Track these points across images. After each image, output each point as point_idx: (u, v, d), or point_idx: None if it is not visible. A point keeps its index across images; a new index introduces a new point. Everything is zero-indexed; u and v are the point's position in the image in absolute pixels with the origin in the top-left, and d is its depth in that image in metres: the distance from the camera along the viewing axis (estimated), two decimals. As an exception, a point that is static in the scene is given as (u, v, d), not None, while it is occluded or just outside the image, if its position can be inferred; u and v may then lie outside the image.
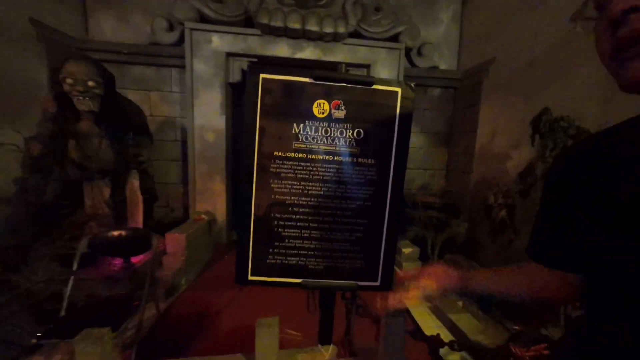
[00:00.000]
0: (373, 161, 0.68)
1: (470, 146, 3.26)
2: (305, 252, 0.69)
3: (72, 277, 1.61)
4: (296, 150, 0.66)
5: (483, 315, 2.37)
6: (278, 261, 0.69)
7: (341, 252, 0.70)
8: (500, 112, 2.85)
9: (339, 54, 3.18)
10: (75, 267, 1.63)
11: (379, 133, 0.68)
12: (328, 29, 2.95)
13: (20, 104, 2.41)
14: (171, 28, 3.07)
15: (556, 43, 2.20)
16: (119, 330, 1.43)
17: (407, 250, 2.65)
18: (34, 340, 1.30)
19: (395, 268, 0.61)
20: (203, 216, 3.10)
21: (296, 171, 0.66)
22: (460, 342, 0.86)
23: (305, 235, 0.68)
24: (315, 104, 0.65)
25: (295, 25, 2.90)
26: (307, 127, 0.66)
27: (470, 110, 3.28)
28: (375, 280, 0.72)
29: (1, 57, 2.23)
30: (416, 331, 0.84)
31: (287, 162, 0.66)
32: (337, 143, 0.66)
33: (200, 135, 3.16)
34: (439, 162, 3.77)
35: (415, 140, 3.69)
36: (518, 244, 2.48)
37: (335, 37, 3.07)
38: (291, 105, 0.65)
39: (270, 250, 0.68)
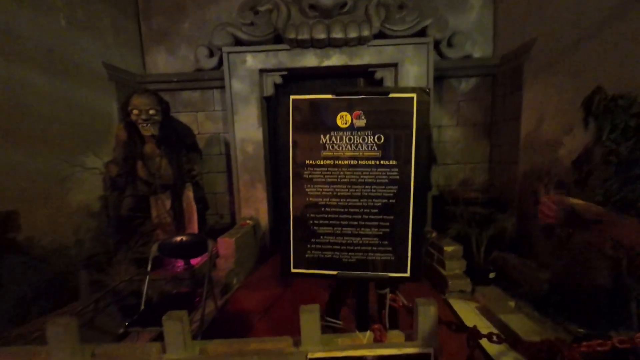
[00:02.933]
0: (394, 162, 0.75)
1: (514, 135, 3.04)
2: (339, 247, 0.78)
3: (148, 277, 1.91)
4: (324, 158, 0.76)
5: (540, 316, 2.20)
6: (315, 255, 0.79)
7: (371, 246, 0.78)
8: (546, 95, 2.62)
9: (365, 57, 3.23)
10: (149, 268, 1.93)
11: (398, 136, 0.74)
12: (352, 34, 3.02)
13: (99, 134, 2.91)
14: (211, 54, 3.43)
15: (606, 15, 1.99)
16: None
17: (449, 249, 2.57)
18: (122, 330, 1.60)
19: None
20: (248, 221, 3.37)
21: (326, 176, 0.76)
22: (500, 335, 0.86)
23: (337, 232, 0.77)
24: (339, 117, 0.74)
25: (320, 35, 3.03)
26: (333, 137, 0.75)
27: (511, 97, 3.07)
28: (405, 272, 0.78)
29: (81, 96, 2.73)
30: (451, 322, 0.87)
31: (318, 169, 0.76)
32: (360, 149, 0.75)
33: (241, 147, 3.45)
34: (479, 155, 3.57)
35: (452, 134, 3.55)
36: (578, 239, 2.25)
37: (360, 41, 3.13)
38: (318, 120, 0.75)
39: (308, 246, 0.79)
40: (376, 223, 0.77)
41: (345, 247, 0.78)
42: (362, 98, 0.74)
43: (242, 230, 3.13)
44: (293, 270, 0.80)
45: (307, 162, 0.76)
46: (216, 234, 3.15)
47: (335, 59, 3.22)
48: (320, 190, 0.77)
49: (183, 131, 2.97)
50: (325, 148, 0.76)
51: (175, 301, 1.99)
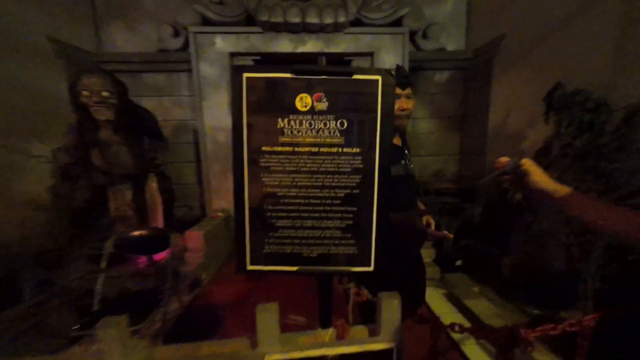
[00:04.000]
0: (358, 150, 0.69)
1: (483, 128, 3.14)
2: (299, 241, 0.72)
3: (102, 275, 1.75)
4: (283, 144, 0.69)
5: (502, 300, 2.33)
6: (274, 250, 0.73)
7: (333, 240, 0.73)
8: (513, 90, 2.72)
9: (342, 44, 3.14)
10: (103, 265, 1.77)
11: (362, 122, 0.69)
12: (328, 20, 2.92)
13: (45, 118, 2.60)
14: (176, 34, 3.17)
15: (570, 13, 2.06)
16: (146, 321, 1.56)
17: (420, 238, 2.63)
18: (73, 334, 1.45)
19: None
20: (219, 214, 3.23)
21: (284, 164, 0.69)
22: (461, 325, 0.87)
23: (297, 225, 0.72)
24: (298, 98, 0.67)
25: (295, 19, 2.89)
26: (292, 121, 0.68)
27: (481, 90, 3.15)
28: (369, 265, 0.74)
29: (22, 74, 2.41)
30: (414, 313, 0.86)
31: (275, 156, 0.69)
32: (322, 135, 0.69)
33: (211, 135, 3.26)
34: (452, 147, 3.67)
35: (426, 126, 3.61)
36: (536, 227, 2.39)
37: (337, 27, 3.04)
38: (275, 101, 0.68)
39: (266, 240, 0.72)
40: (339, 215, 0.72)
41: (306, 241, 0.73)
42: (324, 78, 0.67)
43: (212, 223, 2.99)
44: (249, 267, 0.73)
45: (263, 148, 0.69)
46: (185, 226, 2.99)
47: (311, 45, 3.10)
48: (279, 179, 0.70)
49: (145, 117, 2.73)
50: (283, 133, 0.68)
51: (135, 299, 1.85)
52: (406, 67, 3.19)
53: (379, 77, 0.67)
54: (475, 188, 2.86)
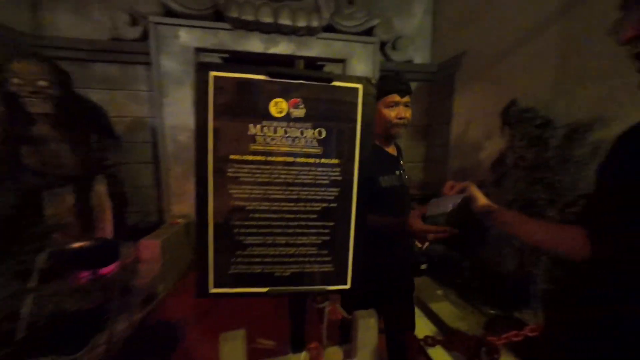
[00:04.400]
0: (337, 161, 0.65)
1: (446, 138, 3.33)
2: (270, 260, 0.66)
3: (30, 295, 1.49)
4: (254, 153, 0.62)
5: (462, 302, 2.46)
6: (241, 271, 0.65)
7: (308, 257, 0.67)
8: (473, 103, 2.92)
9: (314, 49, 3.12)
10: (33, 283, 1.50)
11: (341, 132, 0.65)
12: (301, 23, 2.88)
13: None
14: (134, 22, 2.89)
15: (524, 35, 2.27)
16: (87, 347, 1.34)
17: (388, 244, 2.68)
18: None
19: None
20: (179, 220, 2.99)
21: (255, 175, 0.62)
22: (434, 337, 0.86)
23: (269, 242, 0.65)
24: (272, 103, 0.61)
25: (267, 19, 2.81)
26: (265, 128, 0.61)
27: (445, 102, 3.35)
28: (345, 284, 0.70)
29: None
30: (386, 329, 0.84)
31: (245, 166, 0.62)
32: (298, 144, 0.63)
33: (172, 135, 3.02)
34: (417, 155, 3.84)
35: (394, 133, 3.73)
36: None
37: (309, 31, 3.01)
38: (246, 105, 0.61)
39: (232, 259, 0.64)
40: (315, 230, 0.67)
41: (278, 260, 0.66)
42: (301, 83, 0.62)
43: (171, 230, 2.75)
44: (212, 291, 0.65)
45: (231, 156, 0.61)
46: (140, 234, 2.71)
47: (283, 47, 3.04)
48: (249, 192, 0.63)
49: (94, 112, 2.43)
50: (255, 141, 0.62)
51: (74, 322, 1.60)
52: (376, 76, 3.27)
53: (359, 86, 0.64)
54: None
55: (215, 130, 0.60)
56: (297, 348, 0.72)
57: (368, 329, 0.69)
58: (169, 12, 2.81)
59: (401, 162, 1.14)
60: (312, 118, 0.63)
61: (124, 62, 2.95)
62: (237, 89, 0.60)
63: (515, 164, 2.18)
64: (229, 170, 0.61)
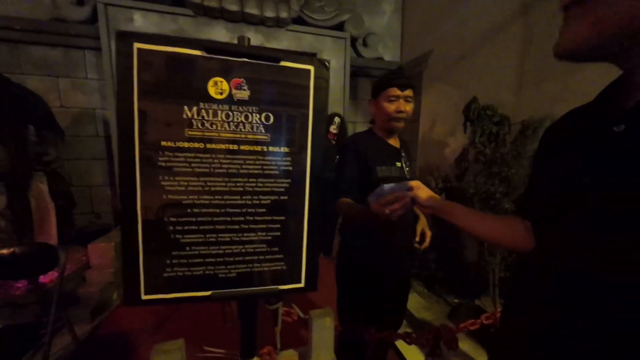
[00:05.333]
0: (287, 149, 0.60)
1: (414, 135, 3.42)
2: (213, 260, 0.59)
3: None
4: (190, 139, 0.54)
5: (428, 292, 2.54)
6: (179, 273, 0.57)
7: (257, 255, 0.61)
8: (438, 101, 3.02)
9: (284, 41, 3.03)
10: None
11: (291, 117, 0.59)
12: (269, 13, 2.77)
13: None
14: (80, 2, 2.59)
15: (485, 35, 2.37)
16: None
17: (358, 239, 2.69)
18: None
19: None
20: (137, 221, 2.75)
21: (193, 165, 0.55)
22: (392, 334, 0.85)
23: (211, 240, 0.58)
24: (211, 83, 0.54)
25: (232, 7, 2.66)
26: (203, 111, 0.54)
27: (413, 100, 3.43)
28: (299, 282, 0.65)
29: None
30: (353, 328, 0.81)
31: (180, 154, 0.54)
32: (242, 129, 0.57)
33: (127, 129, 2.76)
34: (387, 151, 3.90)
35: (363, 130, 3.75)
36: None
37: (278, 23, 2.91)
38: (180, 84, 0.53)
39: (168, 261, 0.56)
40: (264, 226, 0.61)
41: (222, 260, 0.59)
42: (245, 61, 0.55)
43: (127, 232, 2.52)
44: (145, 297, 0.56)
45: (163, 143, 0.53)
46: (91, 237, 2.45)
47: (250, 37, 2.90)
48: (185, 183, 0.55)
49: (27, 100, 2.13)
50: (191, 125, 0.54)
51: (4, 340, 1.39)
52: (347, 72, 3.26)
53: (311, 67, 0.59)
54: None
55: (142, 113, 0.51)
56: (248, 355, 0.67)
57: (324, 329, 0.65)
58: (122, -7, 2.56)
59: (403, 154, 1.12)
60: (257, 101, 0.57)
61: (68, 46, 2.64)
62: (168, 65, 0.52)
63: (475, 159, 2.28)
64: (160, 159, 0.53)
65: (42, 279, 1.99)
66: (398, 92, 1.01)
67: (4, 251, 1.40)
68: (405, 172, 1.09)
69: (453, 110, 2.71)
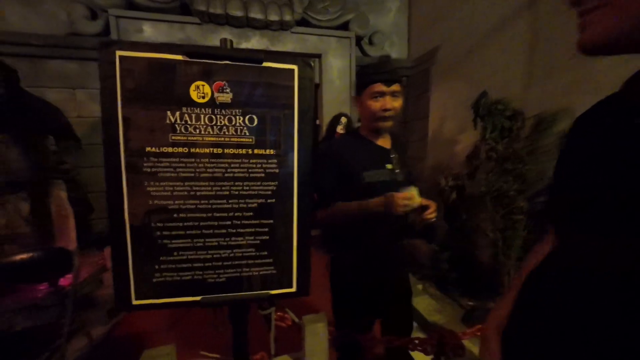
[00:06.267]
0: (272, 152, 0.59)
1: (423, 133, 3.34)
2: (202, 265, 0.58)
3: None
4: (174, 144, 0.54)
5: (441, 295, 2.46)
6: (168, 278, 0.57)
7: (246, 260, 0.61)
8: (447, 98, 2.93)
9: (288, 44, 3.04)
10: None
11: (276, 119, 0.58)
12: (273, 17, 2.79)
13: None
14: (94, 16, 2.71)
15: (493, 28, 2.28)
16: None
17: (367, 240, 2.65)
18: None
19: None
20: (151, 225, 2.83)
21: (178, 169, 0.55)
22: (394, 337, 0.82)
23: (198, 244, 0.58)
24: (193, 87, 0.54)
25: (237, 12, 2.70)
26: (186, 116, 0.54)
27: (422, 97, 3.35)
28: (290, 287, 0.64)
29: None
30: (347, 333, 0.79)
31: (165, 160, 0.54)
32: (226, 133, 0.56)
33: (140, 136, 2.85)
34: (396, 151, 3.83)
35: (373, 129, 3.71)
36: (471, 224, 2.59)
37: (282, 26, 2.93)
38: (162, 90, 0.53)
39: (156, 266, 0.57)
40: (251, 230, 0.60)
41: (210, 264, 0.59)
42: (226, 64, 0.55)
43: (141, 236, 2.60)
44: (135, 302, 0.57)
45: (147, 149, 0.53)
46: (107, 241, 2.54)
47: (255, 42, 2.94)
48: (171, 189, 0.55)
49: (47, 112, 2.25)
50: (175, 130, 0.54)
51: (22, 342, 1.46)
52: (353, 72, 3.24)
53: (294, 67, 0.58)
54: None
55: (126, 120, 0.52)
56: (241, 359, 0.66)
57: (316, 334, 0.63)
58: (132, 5, 2.66)
59: (393, 156, 1.03)
60: (240, 104, 0.56)
61: (83, 59, 2.76)
62: (150, 71, 0.52)
63: (487, 156, 2.19)
64: (145, 165, 0.54)
65: (62, 281, 2.08)
66: (383, 88, 0.91)
67: (24, 256, 1.47)
68: (397, 175, 1.00)
69: (463, 106, 2.62)
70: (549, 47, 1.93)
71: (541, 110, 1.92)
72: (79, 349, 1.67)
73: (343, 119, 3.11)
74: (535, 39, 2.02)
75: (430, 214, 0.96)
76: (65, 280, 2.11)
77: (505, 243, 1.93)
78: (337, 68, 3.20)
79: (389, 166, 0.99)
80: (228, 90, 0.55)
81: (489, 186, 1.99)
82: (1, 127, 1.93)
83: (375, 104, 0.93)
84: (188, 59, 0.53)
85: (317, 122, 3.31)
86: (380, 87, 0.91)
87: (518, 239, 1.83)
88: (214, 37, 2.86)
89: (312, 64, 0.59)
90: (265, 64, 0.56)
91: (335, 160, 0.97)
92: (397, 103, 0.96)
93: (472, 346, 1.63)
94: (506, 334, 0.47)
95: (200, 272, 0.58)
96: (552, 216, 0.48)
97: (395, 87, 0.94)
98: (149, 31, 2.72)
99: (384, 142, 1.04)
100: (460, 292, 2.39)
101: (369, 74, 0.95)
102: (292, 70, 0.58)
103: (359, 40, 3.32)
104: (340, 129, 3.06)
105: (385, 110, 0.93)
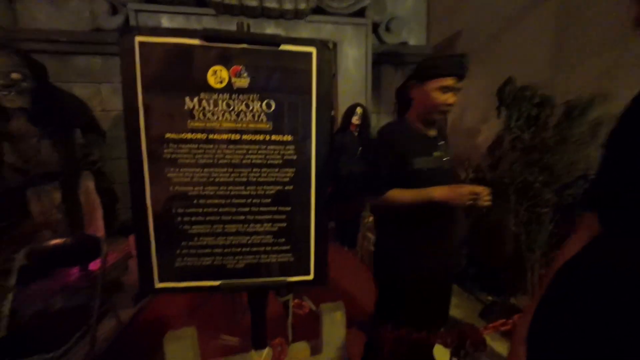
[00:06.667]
0: (290, 137, 0.58)
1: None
2: (221, 250, 0.59)
3: (9, 294, 1.45)
4: (193, 131, 0.54)
5: (459, 289, 2.41)
6: (189, 263, 0.59)
7: (264, 246, 0.61)
8: (468, 86, 2.78)
9: (303, 33, 3.00)
10: (11, 282, 1.47)
11: (293, 104, 0.57)
12: (288, 5, 2.75)
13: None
14: (114, 11, 2.77)
15: (516, 12, 2.14)
16: (67, 346, 1.31)
17: (383, 233, 2.62)
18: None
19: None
20: (171, 214, 2.94)
21: (196, 156, 0.55)
22: (413, 330, 0.80)
23: (218, 230, 0.58)
24: (211, 72, 0.53)
25: (251, 2, 2.68)
26: (204, 101, 0.54)
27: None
28: (308, 274, 0.64)
29: None
30: (365, 322, 0.78)
31: (184, 146, 0.55)
32: (244, 118, 0.56)
33: (159, 128, 2.94)
34: (413, 142, 3.72)
35: (389, 120, 3.62)
36: (491, 217, 2.49)
37: (297, 14, 2.88)
38: (180, 75, 0.53)
39: (178, 251, 0.58)
40: (269, 217, 0.60)
41: (229, 250, 0.59)
42: (244, 48, 0.53)
43: (162, 225, 2.70)
44: (158, 285, 0.59)
45: (167, 135, 0.54)
46: (132, 230, 2.67)
47: (271, 31, 2.91)
48: (190, 175, 0.56)
49: (74, 106, 2.35)
50: (193, 116, 0.54)
51: (58, 321, 1.57)
52: (369, 60, 3.15)
53: (312, 50, 0.56)
54: None
55: (146, 107, 0.53)
56: (260, 345, 0.67)
57: (334, 322, 0.63)
58: (150, -1, 2.69)
59: (441, 143, 1.03)
60: (258, 89, 0.55)
61: (106, 54, 2.85)
62: (168, 57, 0.52)
63: (511, 146, 2.08)
64: (165, 151, 0.54)
65: (91, 266, 2.21)
66: (453, 83, 0.91)
67: (58, 241, 1.57)
68: (444, 162, 1.00)
69: (485, 94, 2.49)
70: (579, 29, 1.78)
71: (571, 97, 1.79)
72: (108, 330, 1.78)
73: (359, 110, 3.05)
74: (566, 21, 1.87)
75: (486, 200, 0.90)
76: (94, 265, 2.24)
77: (529, 237, 1.84)
78: (353, 57, 3.12)
79: (436, 154, 0.98)
80: (245, 75, 0.54)
81: (513, 178, 1.90)
82: (34, 121, 2.05)
83: (442, 97, 0.92)
84: (205, 43, 0.52)
85: (332, 113, 3.27)
86: (451, 81, 0.91)
87: (544, 232, 1.74)
88: (229, 28, 2.85)
89: (330, 46, 0.56)
90: (282, 47, 0.55)
91: (390, 145, 0.95)
92: (455, 99, 0.97)
93: (491, 342, 1.59)
94: (535, 329, 0.44)
95: (220, 258, 0.59)
96: (597, 205, 0.44)
97: (460, 84, 0.95)
98: (167, 24, 2.75)
99: (432, 131, 1.04)
100: (479, 287, 2.33)
101: (440, 65, 0.91)
102: (310, 53, 0.56)
103: (375, 27, 3.22)
104: (355, 120, 3.01)
105: (449, 105, 0.93)
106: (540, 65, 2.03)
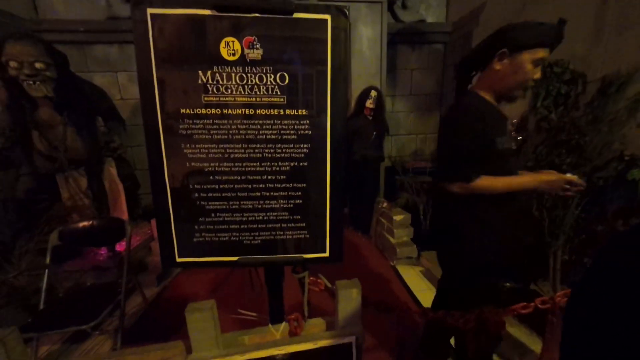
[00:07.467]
0: (305, 112, 0.56)
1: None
2: (237, 227, 0.60)
3: (47, 271, 1.57)
4: (207, 106, 0.54)
5: (475, 275, 2.36)
6: (207, 239, 0.60)
7: (280, 223, 0.61)
8: (491, 64, 2.63)
9: (316, 14, 2.90)
10: (47, 260, 1.58)
11: (308, 76, 0.55)
12: (299, -15, 2.65)
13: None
14: (128, -1, 2.79)
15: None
16: (100, 318, 1.41)
17: (398, 218, 2.59)
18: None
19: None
20: (189, 200, 3.03)
21: (211, 131, 0.55)
22: (428, 311, 0.79)
23: (234, 207, 0.59)
24: (223, 44, 0.52)
25: (262, -18, 2.60)
26: (217, 75, 0.53)
27: (460, 65, 3.05)
28: (324, 252, 0.64)
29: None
30: (380, 303, 0.78)
31: (199, 121, 0.54)
32: (257, 92, 0.54)
33: (175, 116, 2.99)
34: (431, 126, 3.61)
35: (405, 104, 3.50)
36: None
37: (309, -6, 2.78)
38: (193, 48, 0.52)
39: (196, 227, 0.59)
40: (284, 193, 0.59)
41: (246, 226, 0.60)
42: (256, 17, 0.52)
43: (181, 210, 2.80)
44: (179, 260, 0.60)
45: (182, 111, 0.54)
46: (153, 214, 2.79)
47: (282, 14, 2.84)
48: (206, 151, 0.56)
49: (95, 95, 2.42)
50: (207, 91, 0.53)
51: (90, 296, 1.69)
52: (384, 40, 3.02)
53: (327, 17, 0.53)
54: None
55: (160, 82, 0.52)
56: (276, 320, 0.68)
57: (350, 299, 0.63)
58: (161, -16, 2.67)
59: (514, 121, 0.99)
60: (271, 61, 0.53)
61: (122, 42, 2.89)
62: (180, 29, 0.51)
63: (537, 127, 1.96)
64: (181, 127, 0.54)
65: (118, 247, 2.34)
66: (545, 55, 0.81)
67: (86, 223, 1.66)
68: (516, 142, 0.95)
69: (510, 72, 2.34)
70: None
71: (606, 72, 1.64)
72: (135, 306, 1.89)
73: (373, 93, 2.96)
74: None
75: (579, 188, 0.86)
76: (120, 247, 2.38)
77: (553, 222, 1.76)
78: (367, 37, 3.00)
79: (508, 133, 0.93)
80: (258, 46, 0.52)
81: (538, 160, 1.80)
82: (59, 109, 2.13)
83: (533, 71, 0.82)
84: (217, 13, 0.51)
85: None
86: (546, 53, 0.81)
87: (570, 217, 1.66)
88: (240, 12, 2.81)
89: (347, 12, 0.53)
90: (295, 15, 0.52)
91: (477, 125, 0.85)
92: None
93: (509, 327, 1.56)
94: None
95: (237, 234, 0.60)
96: None
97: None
98: (179, 10, 2.74)
99: (503, 109, 0.95)
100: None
101: (543, 33, 0.80)
102: (325, 20, 0.53)
103: (391, 4, 3.06)
104: (369, 104, 2.93)
105: (535, 80, 0.84)
106: (574, 40, 1.87)
